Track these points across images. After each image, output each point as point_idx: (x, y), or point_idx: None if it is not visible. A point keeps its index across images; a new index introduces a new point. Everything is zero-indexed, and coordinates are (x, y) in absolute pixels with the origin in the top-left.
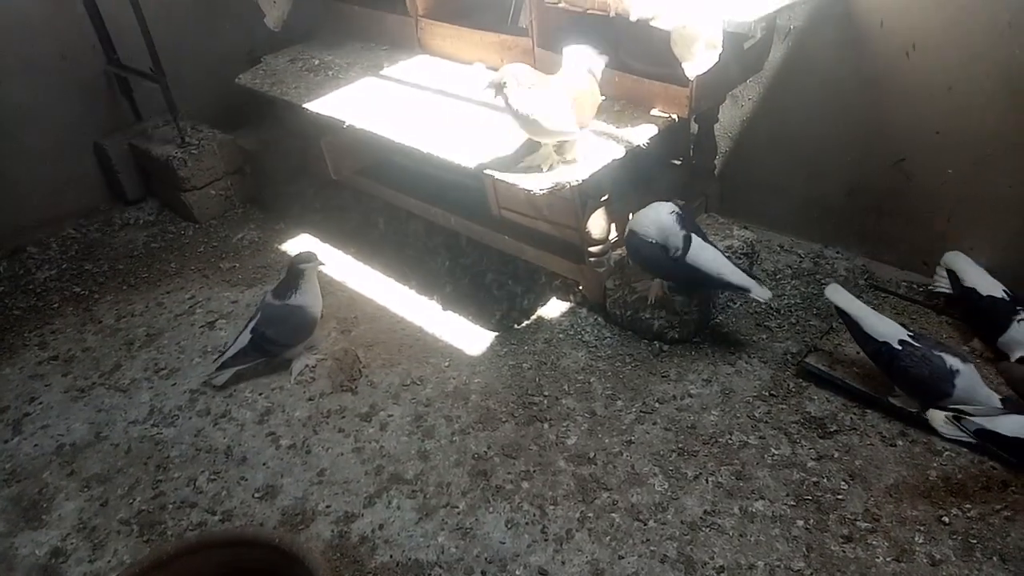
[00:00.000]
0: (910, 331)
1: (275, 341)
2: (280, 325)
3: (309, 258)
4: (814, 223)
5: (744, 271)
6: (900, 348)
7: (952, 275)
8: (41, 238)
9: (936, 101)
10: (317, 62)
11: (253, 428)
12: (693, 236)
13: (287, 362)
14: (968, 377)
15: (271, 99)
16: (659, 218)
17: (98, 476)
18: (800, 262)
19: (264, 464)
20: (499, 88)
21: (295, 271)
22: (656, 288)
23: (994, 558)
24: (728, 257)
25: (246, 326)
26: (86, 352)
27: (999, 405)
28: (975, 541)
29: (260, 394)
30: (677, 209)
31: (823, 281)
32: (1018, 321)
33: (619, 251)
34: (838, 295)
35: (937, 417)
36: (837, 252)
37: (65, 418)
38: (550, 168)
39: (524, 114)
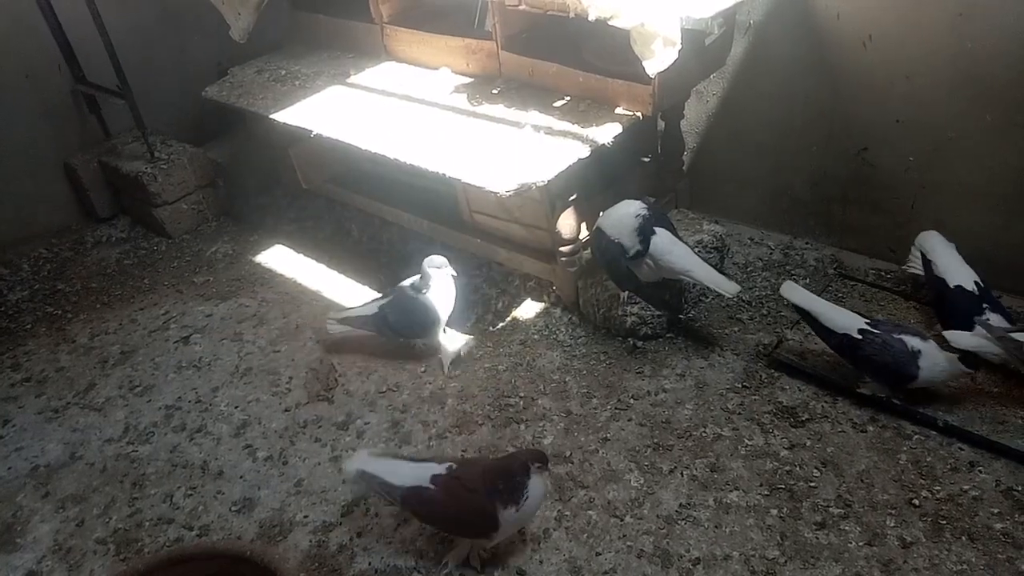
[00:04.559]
0: (867, 319)
1: (393, 327)
2: (402, 315)
3: (439, 263)
4: (783, 215)
5: (713, 267)
6: (860, 337)
7: (924, 258)
8: (12, 259)
9: (895, 90)
10: (284, 72)
11: (229, 442)
12: (658, 232)
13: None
14: (930, 354)
15: (240, 111)
16: (621, 217)
17: (73, 496)
18: (770, 254)
19: (241, 477)
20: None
21: (425, 273)
22: None
23: (963, 537)
24: (697, 253)
25: (377, 300)
26: (60, 372)
27: (960, 366)
28: (944, 522)
29: (236, 407)
30: (644, 209)
31: (793, 272)
32: (983, 321)
33: (590, 250)
34: (794, 292)
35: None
36: (806, 243)
37: (39, 439)
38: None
39: None
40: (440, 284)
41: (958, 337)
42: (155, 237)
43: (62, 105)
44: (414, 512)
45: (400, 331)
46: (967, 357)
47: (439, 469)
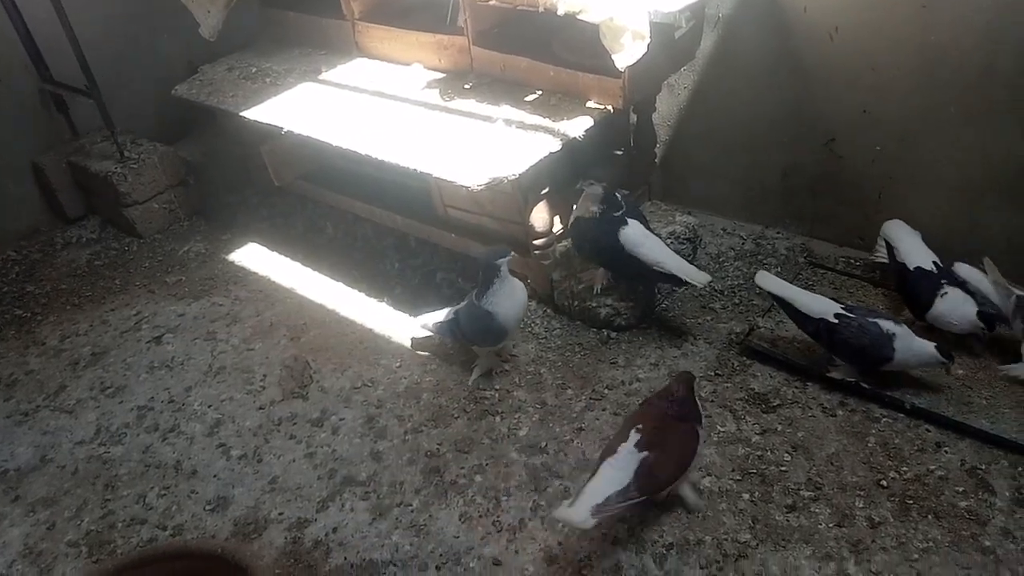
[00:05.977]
0: (842, 304)
1: (464, 334)
2: (472, 323)
3: (500, 253)
4: (754, 205)
5: (684, 259)
6: (836, 321)
7: (889, 246)
8: None
9: (861, 81)
10: (254, 70)
11: (203, 441)
12: (631, 222)
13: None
14: (904, 337)
15: (210, 109)
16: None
17: (44, 500)
18: (742, 244)
19: (215, 476)
20: None
21: (488, 268)
22: (601, 276)
23: (929, 516)
24: (670, 244)
25: (454, 305)
26: (29, 375)
27: (935, 353)
28: (911, 501)
29: (209, 406)
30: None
31: (765, 261)
32: (941, 296)
33: (564, 243)
34: (768, 281)
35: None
36: (777, 232)
37: (8, 443)
38: None
39: None
40: (505, 287)
41: (966, 270)
42: (126, 237)
43: (29, 105)
44: (652, 494)
45: (471, 339)
46: (943, 347)
47: (642, 454)
